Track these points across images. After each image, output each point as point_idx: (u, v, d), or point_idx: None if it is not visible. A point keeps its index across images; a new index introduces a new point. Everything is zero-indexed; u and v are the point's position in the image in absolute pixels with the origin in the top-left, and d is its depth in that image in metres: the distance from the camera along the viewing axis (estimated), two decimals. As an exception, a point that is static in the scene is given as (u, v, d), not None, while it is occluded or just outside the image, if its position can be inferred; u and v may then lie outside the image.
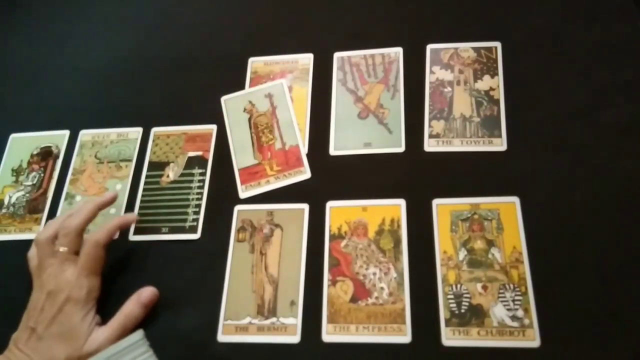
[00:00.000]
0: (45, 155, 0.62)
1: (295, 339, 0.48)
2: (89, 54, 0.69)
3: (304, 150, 0.57)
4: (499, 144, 0.53)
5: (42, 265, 0.50)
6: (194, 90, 0.63)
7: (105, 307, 0.51)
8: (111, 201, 0.55)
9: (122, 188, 0.58)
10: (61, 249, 0.50)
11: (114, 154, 0.60)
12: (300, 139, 0.57)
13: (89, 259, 0.50)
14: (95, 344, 0.47)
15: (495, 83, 0.57)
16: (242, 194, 0.55)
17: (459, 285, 0.47)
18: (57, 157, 0.61)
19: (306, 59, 0.63)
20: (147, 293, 0.50)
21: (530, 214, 0.49)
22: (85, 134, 0.62)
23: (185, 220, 0.55)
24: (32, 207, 0.59)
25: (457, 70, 0.58)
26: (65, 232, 0.50)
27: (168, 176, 0.58)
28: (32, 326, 0.47)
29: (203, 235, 0.54)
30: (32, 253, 0.52)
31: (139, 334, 0.46)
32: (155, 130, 0.61)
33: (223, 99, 0.61)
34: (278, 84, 0.61)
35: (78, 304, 0.48)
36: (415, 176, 0.53)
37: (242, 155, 0.58)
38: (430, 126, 0.56)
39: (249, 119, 0.60)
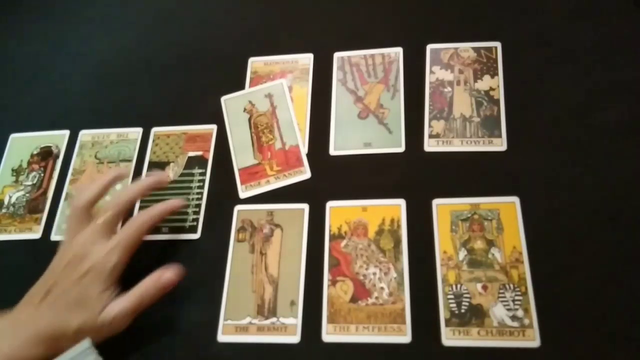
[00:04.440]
0: (45, 155, 0.62)
1: (295, 339, 0.48)
2: (89, 54, 0.69)
3: (304, 150, 0.57)
4: (499, 144, 0.53)
5: (73, 229, 0.49)
6: (194, 90, 0.63)
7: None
8: (160, 182, 0.54)
9: (122, 188, 0.58)
10: (101, 220, 0.49)
11: (114, 154, 0.60)
12: (300, 139, 0.57)
13: (130, 238, 0.49)
14: (111, 316, 0.46)
15: (495, 83, 0.57)
16: (242, 194, 0.55)
17: (459, 285, 0.47)
18: (57, 157, 0.61)
19: (306, 59, 0.63)
20: (168, 275, 0.48)
21: (530, 214, 0.49)
22: (85, 134, 0.62)
23: (185, 220, 0.55)
24: (32, 207, 0.59)
25: (457, 70, 0.58)
26: (110, 206, 0.50)
27: (168, 176, 0.58)
28: (50, 286, 0.47)
29: (203, 235, 0.54)
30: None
31: (86, 342, 0.45)
32: (155, 130, 0.61)
33: (223, 99, 0.61)
34: (278, 84, 0.61)
35: (100, 277, 0.47)
36: (415, 176, 0.53)
37: (242, 155, 0.58)
38: (430, 126, 0.56)
39: (249, 119, 0.60)
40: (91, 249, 0.48)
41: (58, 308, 0.46)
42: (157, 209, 0.52)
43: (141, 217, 0.51)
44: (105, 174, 0.53)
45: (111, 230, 0.50)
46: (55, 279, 0.47)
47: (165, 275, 0.48)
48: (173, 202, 0.53)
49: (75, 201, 0.51)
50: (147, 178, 0.54)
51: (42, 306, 0.46)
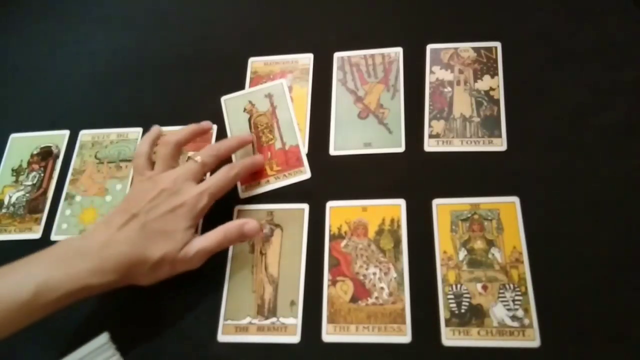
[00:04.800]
0: (45, 155, 0.62)
1: (295, 339, 0.48)
2: (89, 54, 0.69)
3: (304, 150, 0.57)
4: (499, 144, 0.53)
5: (163, 164, 0.51)
6: (194, 90, 0.63)
7: (101, 305, 0.51)
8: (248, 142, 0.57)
9: (122, 188, 0.58)
10: (197, 159, 0.51)
11: (114, 154, 0.60)
12: (300, 138, 0.58)
13: (218, 187, 0.50)
14: (193, 251, 0.47)
15: (495, 83, 0.57)
16: (242, 194, 0.56)
17: (459, 285, 0.47)
18: (57, 157, 0.61)
19: (306, 59, 0.63)
20: (251, 225, 0.50)
21: (530, 214, 0.49)
22: (85, 134, 0.62)
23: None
24: (32, 207, 0.59)
25: (457, 70, 0.58)
26: (209, 153, 0.52)
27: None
28: (134, 213, 0.47)
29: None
30: (144, 149, 0.53)
31: (105, 337, 0.46)
32: (155, 130, 0.61)
33: (223, 99, 0.61)
34: (278, 83, 0.61)
35: (190, 214, 0.48)
36: (415, 176, 0.53)
37: (242, 155, 0.58)
38: (430, 126, 0.56)
39: (249, 119, 0.60)
40: (183, 186, 0.49)
41: (144, 235, 0.46)
42: (245, 164, 0.54)
43: (232, 170, 0.52)
44: (192, 125, 0.55)
45: (201, 175, 0.52)
46: (141, 207, 0.47)
47: (249, 224, 0.50)
48: (257, 157, 0.56)
49: (167, 138, 0.53)
50: (239, 135, 0.58)
51: (124, 231, 0.46)
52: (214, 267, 0.52)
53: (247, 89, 0.62)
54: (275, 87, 0.61)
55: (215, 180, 0.51)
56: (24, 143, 0.63)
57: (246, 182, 0.56)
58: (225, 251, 0.52)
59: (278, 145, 0.58)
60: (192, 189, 0.49)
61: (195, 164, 0.51)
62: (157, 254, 0.46)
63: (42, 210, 0.58)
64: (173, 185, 0.49)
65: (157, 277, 0.47)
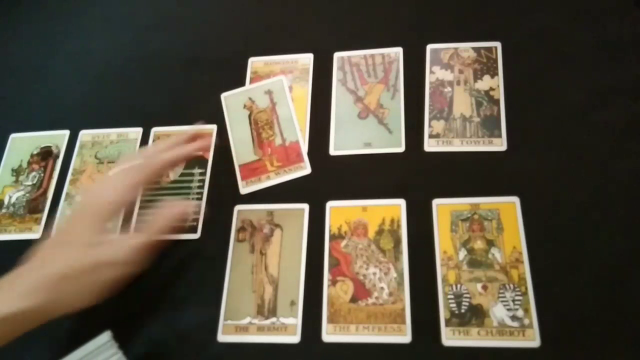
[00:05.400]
0: (45, 155, 0.62)
1: (295, 339, 0.48)
2: (89, 54, 0.69)
3: (304, 146, 0.57)
4: (499, 144, 0.53)
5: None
6: (194, 90, 0.63)
7: (101, 304, 0.51)
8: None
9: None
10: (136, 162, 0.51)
11: (114, 154, 0.61)
12: (300, 135, 0.58)
13: (147, 171, 0.50)
14: (123, 252, 0.46)
15: (495, 83, 0.57)
16: (243, 190, 0.56)
17: (459, 285, 0.47)
18: (57, 157, 0.61)
19: (306, 59, 0.63)
20: (178, 208, 0.50)
21: (530, 214, 0.49)
22: (85, 134, 0.62)
23: (185, 220, 0.55)
24: (32, 207, 0.59)
25: (457, 70, 0.58)
26: (152, 162, 0.51)
27: (168, 176, 0.58)
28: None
29: (203, 235, 0.54)
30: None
31: (107, 335, 0.46)
32: (155, 130, 0.61)
33: (223, 95, 0.61)
34: (277, 80, 0.61)
35: (97, 216, 0.47)
36: (415, 176, 0.53)
37: (242, 152, 0.58)
38: (430, 126, 0.56)
39: (249, 116, 0.60)
40: (97, 188, 0.52)
41: (52, 253, 0.46)
42: (178, 155, 0.54)
43: (165, 161, 0.52)
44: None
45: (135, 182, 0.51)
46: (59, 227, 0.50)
47: (176, 207, 0.50)
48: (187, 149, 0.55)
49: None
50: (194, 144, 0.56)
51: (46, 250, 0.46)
52: (214, 268, 0.52)
53: (247, 86, 0.62)
54: (275, 84, 0.61)
55: (143, 170, 0.50)
56: (24, 143, 0.63)
57: (247, 178, 0.56)
58: (226, 251, 0.52)
59: (278, 141, 0.58)
60: (108, 190, 0.49)
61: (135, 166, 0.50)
62: (62, 264, 0.44)
63: (42, 210, 0.58)
64: (87, 193, 0.50)
65: (106, 286, 0.46)
